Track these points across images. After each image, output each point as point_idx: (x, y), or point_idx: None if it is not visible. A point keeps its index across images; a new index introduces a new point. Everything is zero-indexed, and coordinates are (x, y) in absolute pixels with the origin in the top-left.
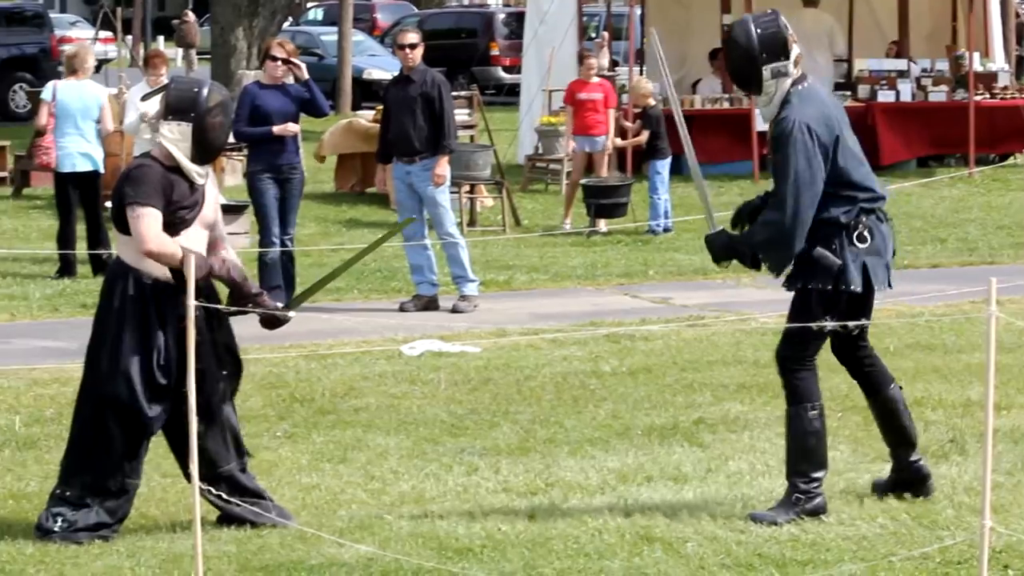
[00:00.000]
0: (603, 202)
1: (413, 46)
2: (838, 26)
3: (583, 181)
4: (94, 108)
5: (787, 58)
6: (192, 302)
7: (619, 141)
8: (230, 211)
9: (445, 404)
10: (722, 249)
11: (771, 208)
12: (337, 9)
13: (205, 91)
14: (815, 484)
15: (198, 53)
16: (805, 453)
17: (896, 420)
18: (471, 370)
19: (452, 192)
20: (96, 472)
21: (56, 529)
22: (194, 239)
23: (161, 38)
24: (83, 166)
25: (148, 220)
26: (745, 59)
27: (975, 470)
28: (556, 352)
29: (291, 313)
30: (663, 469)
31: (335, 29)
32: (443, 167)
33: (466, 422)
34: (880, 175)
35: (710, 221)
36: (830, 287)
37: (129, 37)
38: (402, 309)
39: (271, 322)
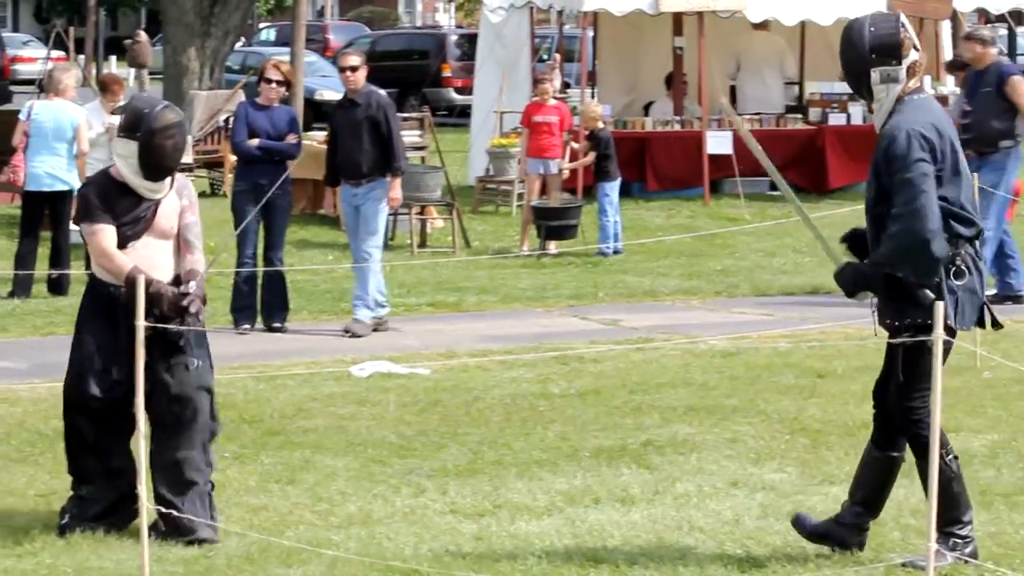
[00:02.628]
0: (553, 224)
1: (355, 68)
2: (789, 49)
3: (533, 203)
4: (68, 129)
5: (899, 62)
6: (141, 323)
7: (568, 163)
8: None
9: (394, 425)
10: (851, 281)
11: (893, 221)
12: (289, 30)
13: (156, 110)
14: (970, 527)
15: (150, 73)
16: (952, 500)
17: (886, 486)
18: (420, 391)
19: (403, 213)
20: (72, 461)
21: (63, 522)
22: (146, 252)
23: (113, 58)
24: (52, 186)
25: (97, 236)
26: (855, 60)
27: (922, 493)
28: (505, 374)
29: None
30: (611, 491)
31: (287, 50)
32: (397, 190)
33: (414, 443)
34: (829, 198)
35: (832, 256)
36: (928, 321)
37: (82, 57)
38: (345, 331)
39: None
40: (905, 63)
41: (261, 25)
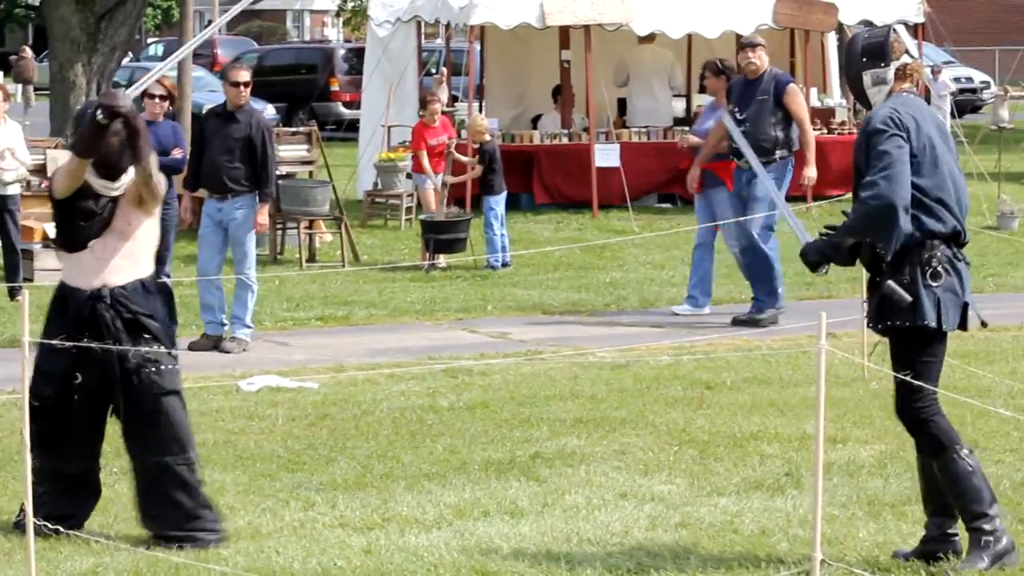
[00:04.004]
0: (441, 237)
1: (247, 84)
2: (677, 62)
3: (421, 217)
4: None
5: (887, 65)
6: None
7: (452, 178)
8: None
9: (282, 439)
10: (817, 252)
11: (864, 188)
12: (176, 45)
13: (93, 108)
14: (997, 520)
15: (36, 89)
16: (975, 495)
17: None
18: (309, 405)
19: (291, 227)
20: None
21: (17, 519)
22: (104, 253)
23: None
24: None
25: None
26: (851, 66)
27: (810, 503)
28: (394, 387)
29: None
30: (500, 504)
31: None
32: (264, 215)
33: (303, 457)
34: None
35: (802, 235)
36: (907, 324)
37: None
38: (191, 348)
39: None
40: (894, 66)
41: (149, 40)
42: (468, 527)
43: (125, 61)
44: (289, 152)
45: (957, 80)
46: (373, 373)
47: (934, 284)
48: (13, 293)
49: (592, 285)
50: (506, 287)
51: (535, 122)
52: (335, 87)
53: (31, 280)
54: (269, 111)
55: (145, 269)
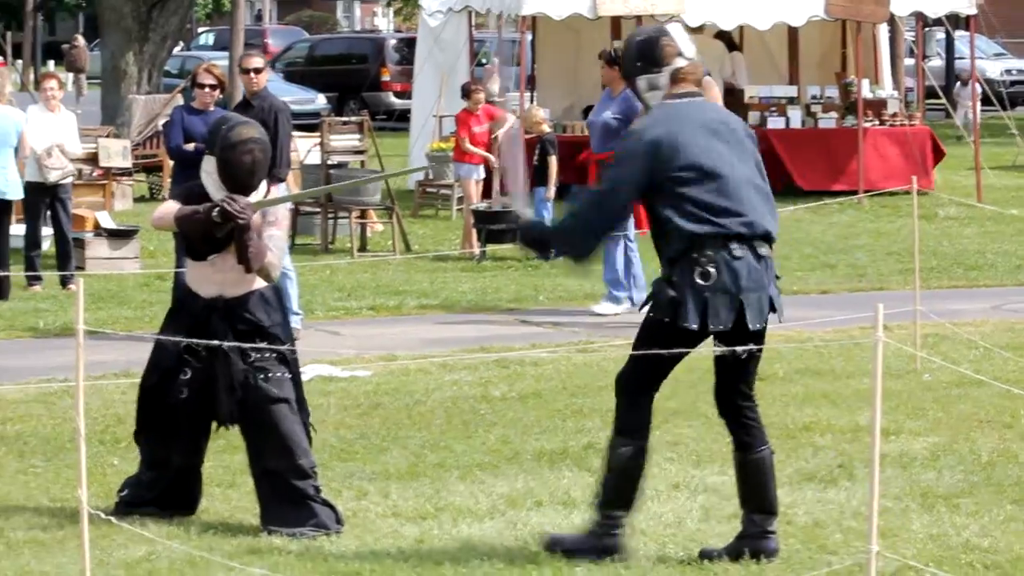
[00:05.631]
0: (494, 228)
1: (258, 71)
2: (728, 53)
3: (473, 207)
4: (12, 134)
5: (659, 70)
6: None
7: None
8: (119, 236)
9: (334, 429)
10: (524, 238)
11: (576, 199)
12: (228, 34)
13: (233, 126)
14: (613, 522)
15: (88, 78)
16: (608, 488)
17: (761, 482)
18: (361, 395)
19: (343, 217)
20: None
21: (120, 497)
22: (225, 268)
23: (51, 63)
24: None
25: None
26: (627, 70)
27: (863, 495)
28: (446, 377)
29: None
30: (553, 494)
31: (226, 54)
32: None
33: (356, 447)
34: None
35: (524, 211)
36: (667, 319)
37: (19, 62)
38: None
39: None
40: (667, 70)
41: (200, 29)
42: (521, 517)
43: (176, 50)
44: (340, 142)
45: (1009, 72)
46: (425, 363)
47: (704, 284)
48: (65, 281)
49: (646, 275)
50: (558, 277)
51: (586, 113)
52: (386, 77)
53: (83, 269)
54: (320, 101)
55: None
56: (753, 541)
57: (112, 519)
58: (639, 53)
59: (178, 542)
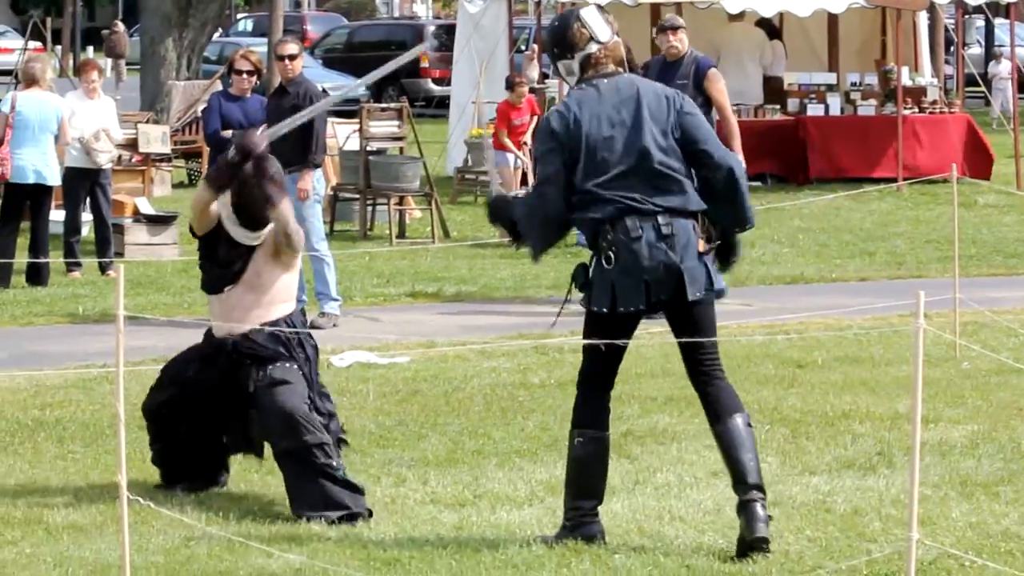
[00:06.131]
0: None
1: (293, 57)
2: (767, 40)
3: (512, 195)
4: (52, 120)
5: (572, 56)
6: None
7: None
8: (159, 222)
9: (373, 415)
10: (497, 212)
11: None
12: (267, 20)
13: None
14: (578, 512)
15: (127, 63)
16: (569, 480)
17: (731, 454)
18: (399, 381)
19: (381, 204)
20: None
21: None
22: (229, 299)
23: (91, 48)
24: (38, 180)
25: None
26: (549, 56)
27: (902, 483)
28: (485, 363)
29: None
30: None
31: (265, 40)
32: (306, 181)
33: (394, 433)
34: (809, 188)
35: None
36: (583, 306)
37: (59, 47)
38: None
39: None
40: (578, 56)
41: (239, 16)
42: (560, 504)
43: (215, 36)
44: (379, 128)
45: None
46: (464, 349)
47: (607, 267)
48: (104, 267)
49: None
50: None
51: None
52: (425, 63)
53: (122, 255)
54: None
55: (277, 313)
56: (741, 514)
57: (151, 504)
58: (552, 40)
59: (216, 528)
